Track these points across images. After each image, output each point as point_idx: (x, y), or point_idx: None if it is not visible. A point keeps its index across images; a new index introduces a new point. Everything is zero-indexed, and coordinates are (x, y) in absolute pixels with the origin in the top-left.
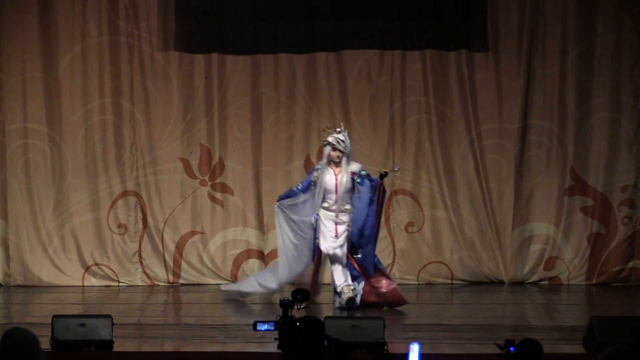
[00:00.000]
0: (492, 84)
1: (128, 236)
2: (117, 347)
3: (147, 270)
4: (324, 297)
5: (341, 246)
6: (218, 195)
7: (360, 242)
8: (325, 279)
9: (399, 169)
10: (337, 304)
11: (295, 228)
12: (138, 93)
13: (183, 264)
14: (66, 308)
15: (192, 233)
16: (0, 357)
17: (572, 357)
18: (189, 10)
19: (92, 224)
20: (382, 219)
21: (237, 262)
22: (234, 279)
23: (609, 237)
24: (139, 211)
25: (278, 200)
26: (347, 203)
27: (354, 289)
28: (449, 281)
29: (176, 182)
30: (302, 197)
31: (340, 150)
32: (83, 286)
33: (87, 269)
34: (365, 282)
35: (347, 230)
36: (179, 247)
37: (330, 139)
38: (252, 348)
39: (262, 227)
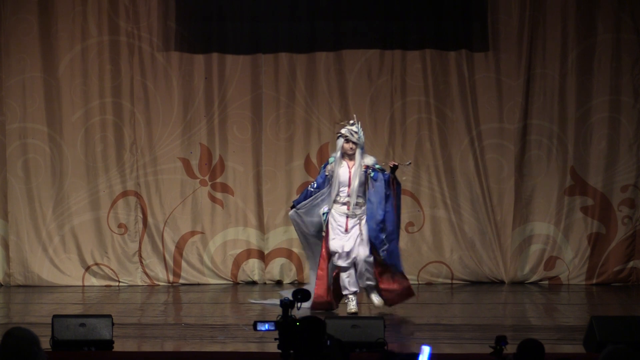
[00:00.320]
0: (492, 83)
1: (128, 236)
2: (117, 347)
3: (147, 270)
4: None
5: (350, 252)
6: (218, 195)
7: (383, 238)
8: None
9: (410, 163)
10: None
11: (317, 237)
12: (138, 93)
13: (183, 264)
14: (66, 308)
15: (192, 233)
16: (1, 357)
17: (572, 357)
18: (189, 10)
19: (92, 223)
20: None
21: (237, 262)
22: (234, 279)
23: (609, 237)
24: (139, 211)
25: (292, 207)
26: (360, 197)
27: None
28: (449, 281)
29: (176, 182)
30: (319, 196)
31: (353, 142)
32: (83, 286)
33: (87, 268)
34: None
35: (358, 224)
36: (179, 247)
37: (343, 130)
38: (252, 348)
39: (262, 227)
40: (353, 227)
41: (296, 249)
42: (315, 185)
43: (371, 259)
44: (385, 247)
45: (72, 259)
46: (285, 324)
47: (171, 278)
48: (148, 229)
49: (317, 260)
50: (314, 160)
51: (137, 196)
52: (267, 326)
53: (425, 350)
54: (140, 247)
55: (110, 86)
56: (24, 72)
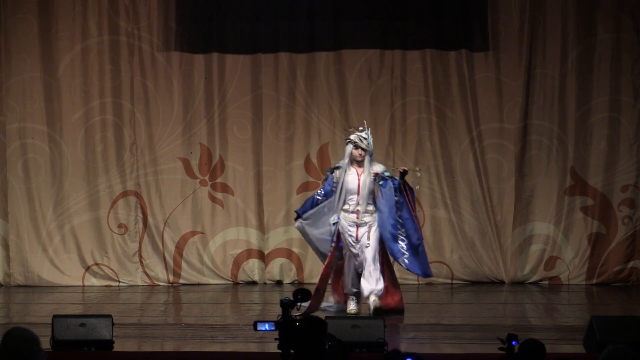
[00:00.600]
0: (492, 83)
1: (128, 236)
2: (117, 347)
3: (147, 270)
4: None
5: (361, 253)
6: (218, 195)
7: (399, 248)
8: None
9: (420, 169)
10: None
11: (327, 246)
12: (138, 93)
13: (183, 264)
14: (66, 308)
15: (192, 233)
16: (1, 357)
17: (572, 357)
18: (189, 9)
19: (92, 223)
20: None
21: (238, 262)
22: (234, 279)
23: (609, 237)
24: (139, 211)
25: (297, 217)
26: (370, 204)
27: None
28: (449, 281)
29: (176, 182)
30: (326, 204)
31: (362, 149)
32: (83, 286)
33: (87, 268)
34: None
35: (367, 232)
36: (179, 247)
37: (352, 136)
38: (252, 348)
39: (262, 227)
40: (363, 235)
41: (296, 249)
42: (323, 192)
43: (377, 264)
44: (407, 255)
45: (72, 259)
46: (285, 324)
47: (171, 278)
48: (148, 229)
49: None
50: (314, 160)
51: (137, 196)
52: (267, 326)
53: None
54: (140, 247)
55: (110, 86)
56: (24, 72)
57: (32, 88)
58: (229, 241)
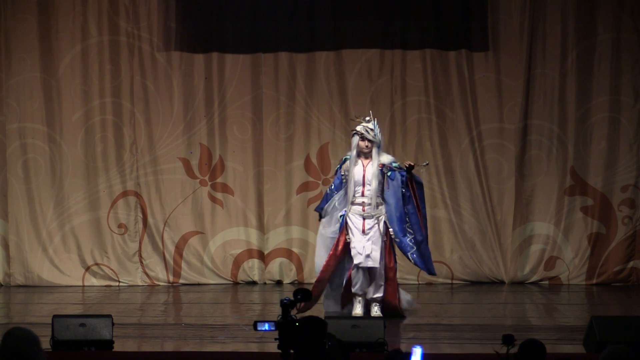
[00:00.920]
0: (492, 83)
1: (128, 236)
2: (117, 347)
3: (147, 270)
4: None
5: (369, 254)
6: (218, 195)
7: (408, 241)
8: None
9: (427, 164)
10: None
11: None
12: (138, 93)
13: (183, 264)
14: (66, 308)
15: (192, 233)
16: (1, 357)
17: (572, 357)
18: (189, 9)
19: (92, 223)
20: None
21: (238, 262)
22: (234, 279)
23: (609, 237)
24: (139, 211)
25: (320, 217)
26: (377, 197)
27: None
28: (449, 281)
29: (176, 182)
30: (336, 198)
31: (369, 140)
32: (83, 286)
33: (87, 268)
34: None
35: (376, 225)
36: (179, 247)
37: (358, 127)
38: (252, 348)
39: (262, 227)
40: (371, 228)
41: (296, 249)
42: (333, 187)
43: (382, 270)
44: (414, 250)
45: (72, 259)
46: (285, 324)
47: (171, 278)
48: (148, 229)
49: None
50: (314, 160)
51: (137, 196)
52: (267, 326)
53: (417, 352)
54: (140, 247)
55: (110, 86)
56: (24, 72)
57: (32, 88)
58: (229, 241)
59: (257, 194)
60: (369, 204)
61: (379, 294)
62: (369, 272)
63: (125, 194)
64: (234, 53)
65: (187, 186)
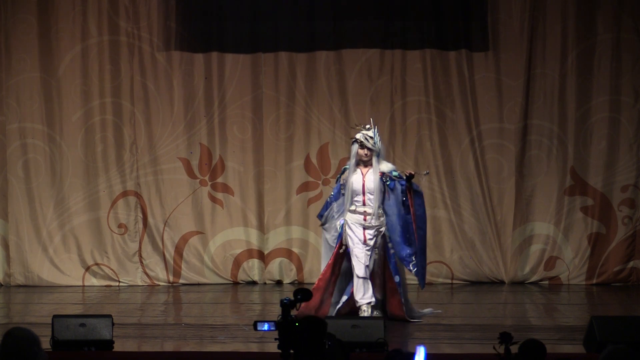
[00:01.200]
0: (493, 83)
1: (128, 236)
2: (117, 347)
3: (147, 270)
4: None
5: (369, 257)
6: (218, 195)
7: (409, 252)
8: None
9: (428, 173)
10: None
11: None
12: (138, 93)
13: (183, 264)
14: (66, 308)
15: (193, 233)
16: (1, 357)
17: (572, 357)
18: (189, 9)
19: (92, 223)
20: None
21: (238, 262)
22: (234, 279)
23: (609, 237)
24: (139, 211)
25: (322, 224)
26: (378, 206)
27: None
28: (449, 281)
29: (176, 182)
30: (334, 207)
31: (369, 148)
32: (83, 286)
33: (87, 268)
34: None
35: (376, 236)
36: (179, 247)
37: (358, 135)
38: (252, 348)
39: (262, 227)
40: (371, 239)
41: (296, 249)
42: (332, 195)
43: (379, 275)
44: (414, 262)
45: (72, 259)
46: (285, 324)
47: (171, 278)
48: (148, 229)
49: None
50: (314, 160)
51: (137, 196)
52: (267, 326)
53: (421, 351)
54: (140, 247)
55: (110, 86)
56: (24, 72)
57: (32, 88)
58: (229, 241)
59: (257, 194)
60: (371, 214)
61: (372, 300)
62: (371, 279)
63: (125, 194)
64: (234, 53)
65: (187, 186)
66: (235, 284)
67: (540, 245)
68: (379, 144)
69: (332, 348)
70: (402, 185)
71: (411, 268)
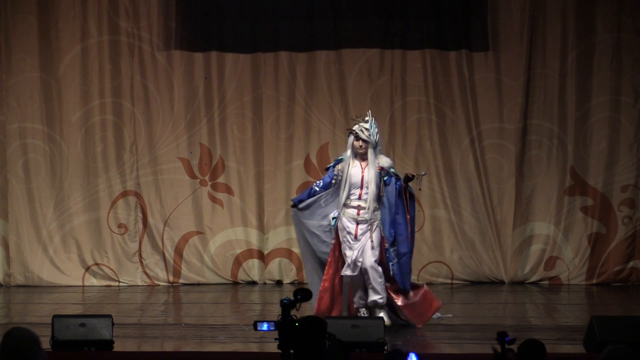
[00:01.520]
0: (493, 83)
1: (128, 236)
2: (117, 347)
3: (147, 270)
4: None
5: (356, 260)
6: (218, 195)
7: (392, 251)
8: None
9: (425, 174)
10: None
11: (316, 241)
12: (138, 93)
13: (183, 264)
14: (66, 308)
15: (193, 233)
16: (1, 357)
17: (572, 357)
18: (189, 9)
19: (92, 223)
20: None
21: (238, 262)
22: (234, 279)
23: (609, 237)
24: (139, 211)
25: (293, 205)
26: (374, 201)
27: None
28: (449, 281)
29: (176, 182)
30: (323, 196)
31: (363, 140)
32: (83, 286)
33: (87, 269)
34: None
35: (369, 230)
36: (179, 247)
37: (354, 127)
38: (252, 348)
39: (262, 227)
40: (363, 233)
41: (296, 249)
42: (321, 184)
43: (379, 268)
44: (395, 261)
45: (72, 259)
46: (285, 324)
47: (171, 278)
48: (148, 229)
49: (320, 266)
50: (314, 160)
51: (137, 196)
52: (267, 326)
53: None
54: (140, 247)
55: (110, 86)
56: (24, 72)
57: (32, 88)
58: (229, 241)
59: (257, 194)
60: (365, 208)
61: (377, 297)
62: (363, 278)
63: (125, 194)
64: (234, 52)
65: (187, 186)
66: (235, 284)
67: (540, 245)
68: (375, 136)
69: (332, 348)
70: (397, 185)
71: (390, 268)
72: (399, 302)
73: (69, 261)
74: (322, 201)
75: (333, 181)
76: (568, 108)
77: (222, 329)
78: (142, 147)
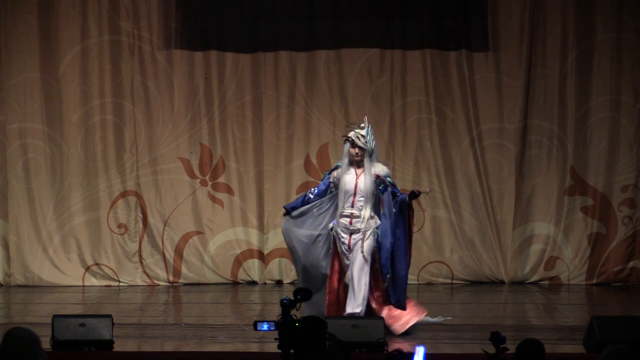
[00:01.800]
0: (492, 83)
1: (128, 236)
2: (117, 347)
3: (147, 270)
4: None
5: (359, 265)
6: (218, 195)
7: (388, 265)
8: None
9: (430, 191)
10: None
11: (303, 250)
12: (138, 93)
13: (183, 264)
14: (66, 308)
15: (193, 233)
16: (1, 357)
17: (572, 357)
18: (189, 9)
19: (92, 223)
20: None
21: (238, 262)
22: (234, 279)
23: (609, 237)
24: (139, 211)
25: (285, 213)
26: (368, 209)
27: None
28: (449, 281)
29: (176, 182)
30: (317, 205)
31: (360, 147)
32: (83, 286)
33: (87, 268)
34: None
35: (361, 240)
36: (179, 247)
37: (350, 134)
38: (252, 348)
39: (262, 227)
40: (356, 243)
41: None
42: (316, 191)
43: (364, 279)
44: (389, 275)
45: (72, 259)
46: (285, 324)
47: (171, 278)
48: (148, 229)
49: (321, 275)
50: (314, 160)
51: (137, 196)
52: (267, 326)
53: (420, 351)
54: (140, 247)
55: (110, 86)
56: (24, 72)
57: (32, 88)
58: (229, 241)
59: (257, 194)
60: (358, 217)
61: (356, 310)
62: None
63: (125, 194)
64: (234, 52)
65: (188, 186)
66: (235, 283)
67: (540, 245)
68: (371, 143)
69: (332, 348)
70: (396, 196)
71: (385, 281)
72: (384, 313)
73: (69, 261)
74: (315, 210)
75: (331, 189)
76: (568, 108)
77: (222, 329)
78: (142, 147)
